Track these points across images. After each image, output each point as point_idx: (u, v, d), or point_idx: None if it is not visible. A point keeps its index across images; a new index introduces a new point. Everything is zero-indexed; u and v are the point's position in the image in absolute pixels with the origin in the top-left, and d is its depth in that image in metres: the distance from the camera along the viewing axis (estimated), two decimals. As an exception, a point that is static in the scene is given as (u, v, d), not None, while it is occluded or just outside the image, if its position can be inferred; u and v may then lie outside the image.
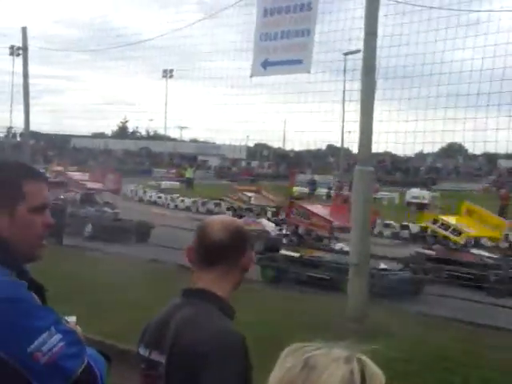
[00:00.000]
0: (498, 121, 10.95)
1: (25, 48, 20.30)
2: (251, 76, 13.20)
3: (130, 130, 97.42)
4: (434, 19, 11.18)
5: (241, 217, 21.50)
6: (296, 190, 42.32)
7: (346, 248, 15.07)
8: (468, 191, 45.55)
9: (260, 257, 14.61)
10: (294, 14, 12.29)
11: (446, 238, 16.96)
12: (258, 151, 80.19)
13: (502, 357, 8.51)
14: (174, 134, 76.82)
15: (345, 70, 17.10)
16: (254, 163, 73.57)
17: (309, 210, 16.31)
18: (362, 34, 10.61)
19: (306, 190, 40.71)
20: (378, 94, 10.83)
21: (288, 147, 66.60)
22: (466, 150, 65.94)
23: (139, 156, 70.15)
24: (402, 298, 12.83)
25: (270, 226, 20.82)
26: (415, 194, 35.05)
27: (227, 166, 68.43)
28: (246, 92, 14.23)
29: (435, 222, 17.58)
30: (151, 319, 2.28)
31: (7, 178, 1.94)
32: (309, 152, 70.30)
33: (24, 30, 20.31)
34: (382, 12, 10.70)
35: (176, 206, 33.01)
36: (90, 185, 23.58)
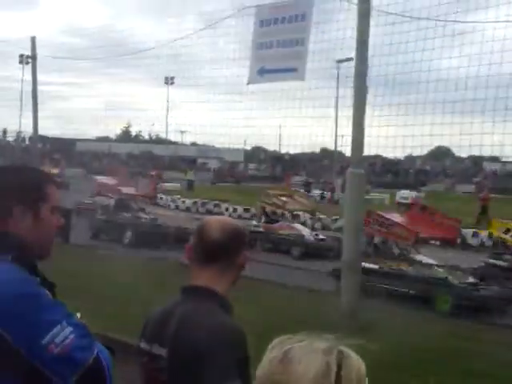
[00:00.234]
0: (482, 126, 11.02)
1: (34, 57, 20.28)
2: (248, 83, 13.24)
3: (133, 134, 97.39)
4: (422, 30, 11.22)
5: (275, 221, 20.81)
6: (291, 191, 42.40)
7: (429, 260, 14.17)
8: (456, 192, 45.63)
9: (335, 267, 13.13)
10: (289, 25, 12.32)
11: None
12: (255, 154, 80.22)
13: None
14: (174, 137, 76.68)
15: (338, 78, 17.13)
16: (252, 165, 73.72)
17: (390, 219, 14.55)
18: (354, 43, 10.65)
19: (301, 191, 40.70)
20: (369, 100, 10.88)
21: (283, 150, 66.53)
22: (453, 153, 66.10)
23: (142, 159, 70.07)
24: (492, 312, 11.91)
25: (305, 231, 20.08)
26: (404, 194, 35.16)
27: (227, 168, 68.46)
28: (243, 98, 14.24)
29: (508, 231, 16.27)
30: (151, 314, 2.29)
31: (32, 181, 1.99)
32: (303, 155, 70.30)
33: (33, 39, 20.31)
34: (373, 22, 10.76)
35: (177, 206, 32.93)
36: (124, 190, 22.26)
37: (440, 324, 10.60)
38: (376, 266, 13.64)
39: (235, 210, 29.94)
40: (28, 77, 22.59)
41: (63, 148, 67.26)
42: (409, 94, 11.59)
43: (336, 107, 15.47)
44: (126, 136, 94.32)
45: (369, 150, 12.39)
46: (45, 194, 1.98)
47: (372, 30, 10.68)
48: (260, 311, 9.72)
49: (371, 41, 10.65)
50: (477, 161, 66.04)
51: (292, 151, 65.88)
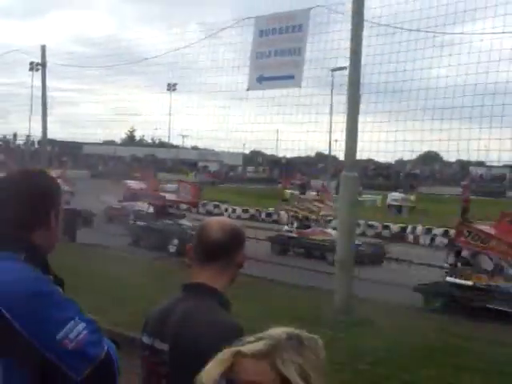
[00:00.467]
0: (469, 132, 11.05)
1: (43, 64, 20.32)
2: (247, 90, 13.27)
3: (137, 138, 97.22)
4: (412, 40, 11.28)
5: (307, 227, 19.57)
6: (287, 192, 42.41)
7: None
8: (444, 195, 45.66)
9: (424, 284, 12.57)
10: (287, 35, 12.36)
11: None
12: (254, 158, 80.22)
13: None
14: (176, 141, 76.52)
15: (332, 85, 17.18)
16: (250, 168, 73.78)
17: (485, 232, 12.67)
18: (347, 53, 10.67)
19: (296, 192, 40.65)
20: (362, 107, 10.89)
21: (280, 154, 66.57)
22: (442, 158, 66.19)
23: (145, 161, 70.02)
24: None
25: None
26: (395, 197, 35.17)
27: (225, 171, 68.50)
28: (242, 104, 14.26)
29: None
30: (152, 310, 2.28)
31: (47, 189, 1.98)
32: (299, 159, 70.29)
33: (43, 47, 20.34)
34: (366, 33, 10.80)
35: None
36: (168, 196, 20.38)
37: (433, 321, 10.56)
38: (470, 282, 12.40)
39: (234, 210, 29.94)
40: (37, 83, 22.59)
41: (71, 151, 67.17)
42: (400, 101, 11.62)
43: (330, 113, 15.51)
44: (130, 140, 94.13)
45: (361, 155, 12.40)
46: (54, 199, 1.98)
47: (365, 41, 10.74)
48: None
49: (364, 51, 10.71)
50: (464, 165, 66.14)
51: (289, 155, 65.90)
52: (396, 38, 11.37)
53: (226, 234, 2.22)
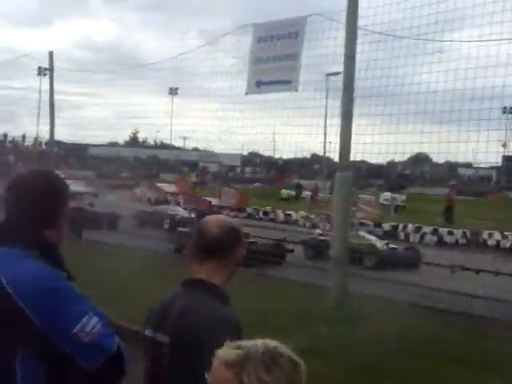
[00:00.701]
0: (458, 134, 11.13)
1: (51, 69, 20.39)
2: (246, 94, 13.27)
3: (140, 139, 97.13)
4: (404, 47, 11.33)
5: None
6: (284, 192, 42.45)
7: None
8: (431, 195, 45.66)
9: None
10: (284, 41, 12.36)
11: None
12: (251, 159, 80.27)
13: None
14: (178, 143, 76.49)
15: (327, 89, 17.14)
16: (248, 169, 73.92)
17: None
18: (342, 59, 10.68)
19: (292, 192, 40.76)
20: (355, 110, 10.91)
21: (277, 155, 66.59)
22: (431, 159, 66.26)
23: (148, 163, 69.99)
24: None
25: (373, 240, 17.42)
26: (387, 196, 35.23)
27: (224, 171, 68.56)
28: (241, 107, 14.27)
29: None
30: (154, 305, 2.27)
31: (58, 189, 1.96)
32: (295, 160, 70.34)
33: (51, 53, 20.45)
34: (359, 40, 10.83)
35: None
36: (214, 202, 19.06)
37: (432, 318, 10.47)
38: None
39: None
40: (45, 87, 22.58)
41: (77, 152, 67.14)
42: (392, 105, 11.66)
43: (325, 116, 15.48)
44: (133, 141, 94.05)
45: (355, 156, 12.43)
46: (64, 198, 1.97)
47: (359, 47, 10.81)
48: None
49: (358, 56, 10.78)
50: (452, 166, 66.21)
51: (285, 156, 65.96)
52: (388, 44, 11.44)
53: (223, 231, 2.21)
